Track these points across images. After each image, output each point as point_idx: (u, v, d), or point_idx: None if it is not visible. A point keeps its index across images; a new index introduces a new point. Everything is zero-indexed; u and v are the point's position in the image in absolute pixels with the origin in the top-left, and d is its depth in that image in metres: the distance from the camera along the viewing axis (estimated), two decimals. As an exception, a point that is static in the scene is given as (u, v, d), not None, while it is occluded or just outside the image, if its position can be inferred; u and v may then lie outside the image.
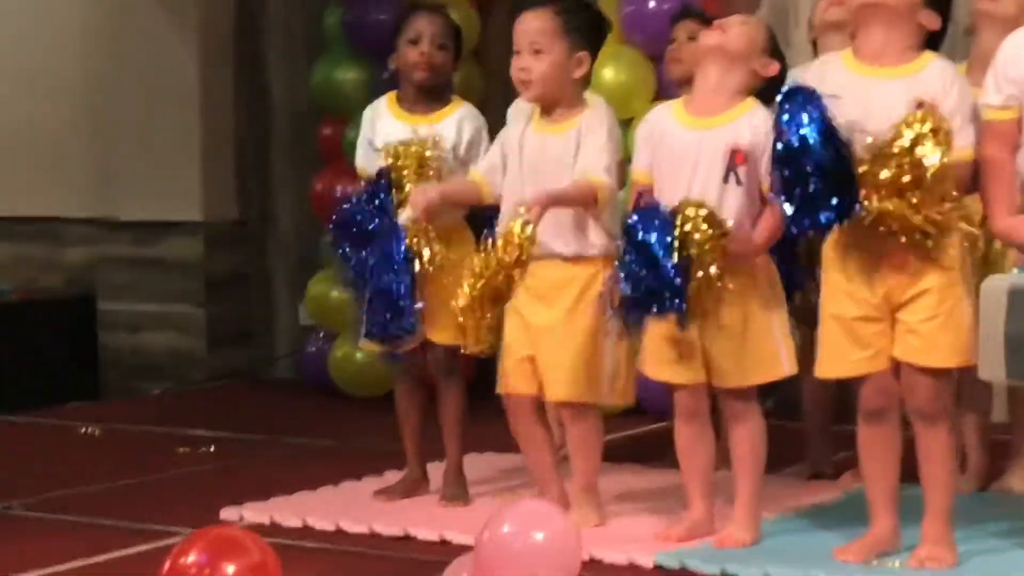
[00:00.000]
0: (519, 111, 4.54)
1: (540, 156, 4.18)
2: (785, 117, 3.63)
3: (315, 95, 6.60)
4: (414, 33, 4.70)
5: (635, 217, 3.87)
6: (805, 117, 3.60)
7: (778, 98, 3.69)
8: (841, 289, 3.81)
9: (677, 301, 3.80)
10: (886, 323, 3.78)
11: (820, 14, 4.68)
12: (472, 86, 6.00)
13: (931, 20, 3.78)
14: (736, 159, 3.92)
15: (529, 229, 3.98)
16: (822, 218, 3.63)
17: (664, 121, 4.06)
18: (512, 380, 4.23)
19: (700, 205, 3.85)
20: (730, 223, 3.87)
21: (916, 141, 3.58)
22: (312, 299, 6.56)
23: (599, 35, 4.29)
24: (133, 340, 7.11)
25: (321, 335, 6.61)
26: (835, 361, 3.86)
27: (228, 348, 7.08)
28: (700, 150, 3.94)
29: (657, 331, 3.98)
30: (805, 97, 3.64)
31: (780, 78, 4.02)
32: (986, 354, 3.48)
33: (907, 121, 3.61)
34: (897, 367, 3.81)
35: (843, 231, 3.75)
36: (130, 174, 7.10)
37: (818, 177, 3.59)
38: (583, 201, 4.11)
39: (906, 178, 3.59)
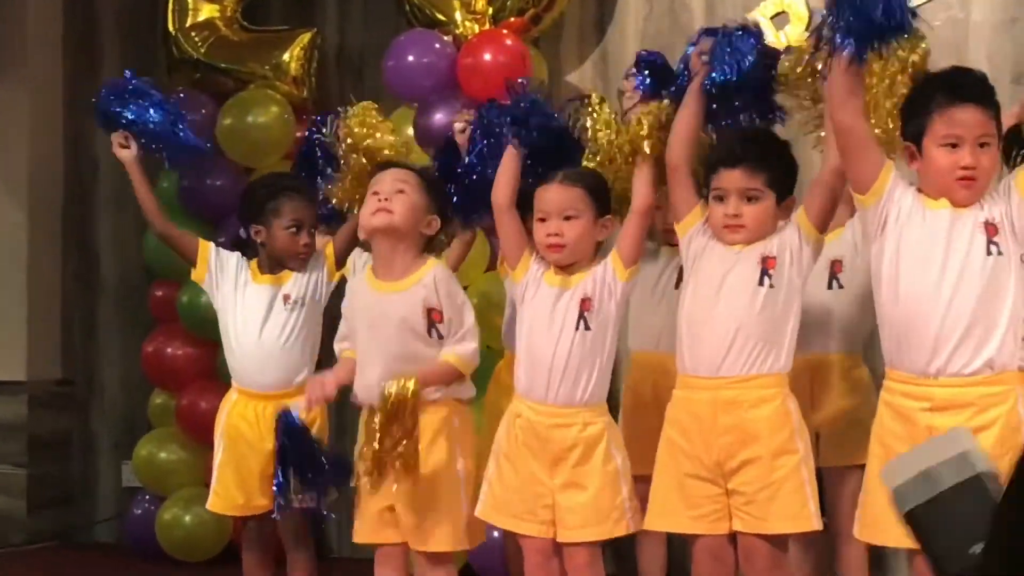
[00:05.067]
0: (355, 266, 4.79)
1: (381, 315, 4.26)
2: None
3: (149, 258, 6.61)
4: (292, 221, 4.82)
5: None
6: None
7: None
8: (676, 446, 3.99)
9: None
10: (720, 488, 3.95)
11: None
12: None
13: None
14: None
15: (411, 385, 4.06)
16: None
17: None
18: (377, 531, 4.30)
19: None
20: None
21: None
22: (140, 460, 6.51)
23: (446, 208, 4.44)
24: (-52, 501, 6.98)
25: (147, 497, 6.55)
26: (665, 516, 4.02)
27: (49, 510, 6.97)
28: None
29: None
30: None
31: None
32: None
33: None
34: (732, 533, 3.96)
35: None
36: (-48, 332, 7.04)
37: None
38: (449, 381, 4.25)
39: None
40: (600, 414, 4.16)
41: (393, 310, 4.24)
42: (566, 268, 4.21)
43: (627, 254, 4.16)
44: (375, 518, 4.27)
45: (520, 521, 4.16)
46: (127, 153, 4.91)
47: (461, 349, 4.24)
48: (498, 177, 4.27)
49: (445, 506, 4.21)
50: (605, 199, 4.23)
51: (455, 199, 4.51)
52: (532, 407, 4.17)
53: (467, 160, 4.47)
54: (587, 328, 4.13)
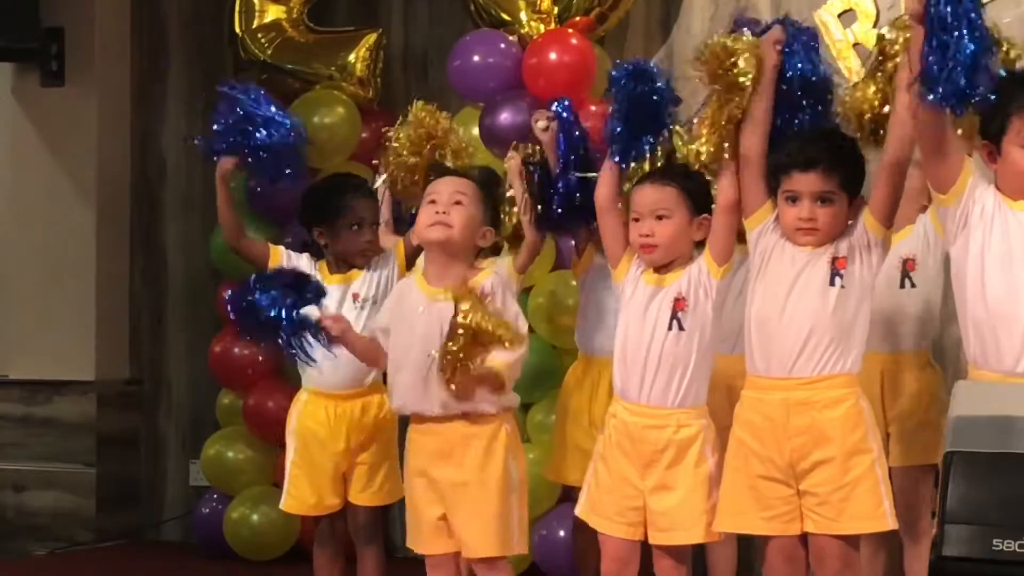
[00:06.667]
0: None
1: (430, 321, 4.17)
2: None
3: (216, 259, 6.65)
4: (356, 219, 4.85)
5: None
6: None
7: None
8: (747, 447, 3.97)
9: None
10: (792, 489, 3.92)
11: None
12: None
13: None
14: None
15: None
16: None
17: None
18: (430, 540, 4.25)
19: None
20: None
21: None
22: (208, 459, 6.55)
23: (499, 225, 4.45)
24: (18, 499, 7.04)
25: (215, 496, 6.59)
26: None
27: (117, 509, 7.02)
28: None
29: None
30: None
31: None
32: None
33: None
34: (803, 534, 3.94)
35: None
36: (21, 332, 7.10)
37: None
38: (492, 388, 4.15)
39: None
40: (697, 416, 4.13)
41: (445, 318, 4.11)
42: (663, 267, 4.19)
43: (718, 251, 4.12)
44: (429, 527, 4.23)
45: (608, 522, 4.15)
46: (226, 170, 4.96)
47: (506, 356, 4.10)
48: (602, 174, 4.27)
49: (497, 511, 4.15)
50: (701, 197, 4.19)
51: (554, 209, 4.53)
52: (627, 407, 4.16)
53: (560, 160, 4.46)
54: (680, 328, 4.10)
